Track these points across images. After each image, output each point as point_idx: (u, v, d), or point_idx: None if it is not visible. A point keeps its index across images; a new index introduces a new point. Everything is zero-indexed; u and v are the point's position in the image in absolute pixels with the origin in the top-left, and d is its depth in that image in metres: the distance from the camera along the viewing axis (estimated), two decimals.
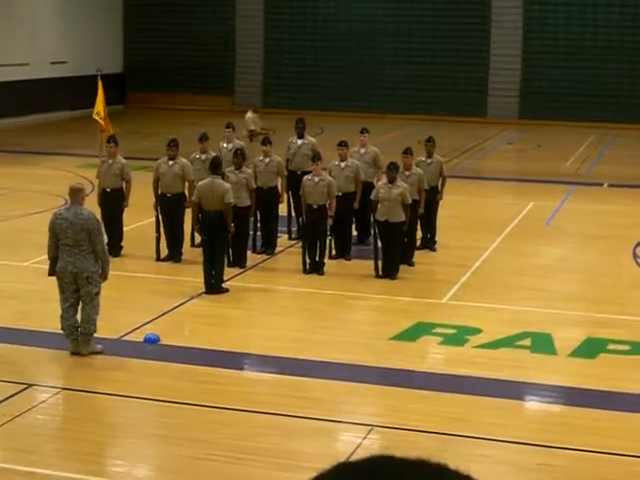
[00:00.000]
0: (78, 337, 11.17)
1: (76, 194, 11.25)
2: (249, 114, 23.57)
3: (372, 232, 15.33)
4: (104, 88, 17.10)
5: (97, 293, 11.17)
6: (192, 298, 13.62)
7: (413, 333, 12.37)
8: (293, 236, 17.00)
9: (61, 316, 11.21)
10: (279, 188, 16.29)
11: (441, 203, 16.61)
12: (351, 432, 9.43)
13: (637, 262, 16.23)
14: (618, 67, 37.47)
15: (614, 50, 37.54)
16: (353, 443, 9.11)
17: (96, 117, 16.83)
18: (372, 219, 15.29)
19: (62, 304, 11.20)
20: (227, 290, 13.96)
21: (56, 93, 37.18)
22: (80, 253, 10.98)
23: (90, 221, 11.00)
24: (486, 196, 22.98)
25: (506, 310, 13.45)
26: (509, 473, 8.69)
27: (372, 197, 15.00)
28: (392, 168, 14.83)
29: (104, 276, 11.24)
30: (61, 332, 11.40)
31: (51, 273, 11.27)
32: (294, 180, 16.34)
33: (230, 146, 16.66)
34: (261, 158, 16.14)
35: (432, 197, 16.21)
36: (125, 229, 15.74)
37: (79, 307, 11.21)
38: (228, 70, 41.46)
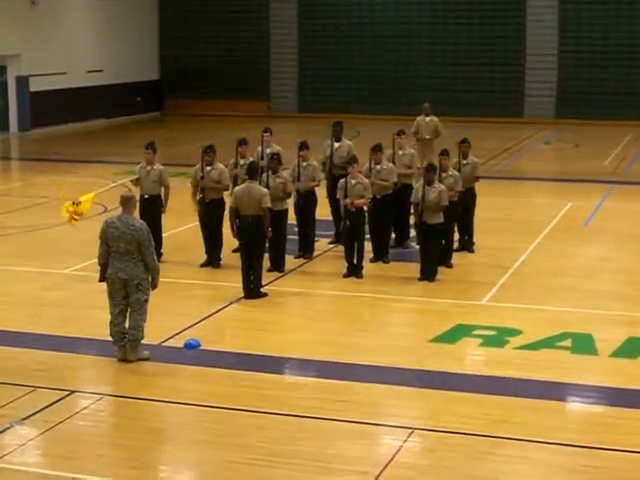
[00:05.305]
0: (126, 344, 11.25)
1: (127, 202, 11.25)
2: (419, 118, 23.08)
3: (417, 233, 15.15)
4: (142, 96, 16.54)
5: (146, 300, 11.22)
6: (231, 303, 13.67)
7: (453, 335, 12.33)
8: (330, 239, 17.02)
9: (110, 322, 11.26)
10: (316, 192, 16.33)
11: (478, 204, 16.55)
12: (392, 435, 9.41)
13: None
14: None
15: None
16: (394, 446, 9.08)
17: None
18: (419, 221, 14.93)
19: (112, 311, 11.25)
20: (266, 294, 13.98)
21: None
22: (131, 260, 11.05)
23: (141, 232, 11.04)
24: (524, 197, 22.87)
25: (546, 311, 13.38)
26: (553, 475, 8.63)
27: (412, 199, 14.95)
28: (430, 170, 14.80)
29: (154, 285, 11.29)
30: (103, 339, 11.49)
31: (102, 279, 11.33)
32: (331, 183, 16.36)
33: (268, 151, 16.68)
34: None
35: (469, 198, 16.17)
36: (163, 235, 15.81)
37: (127, 314, 11.27)
38: (263, 75, 41.56)
